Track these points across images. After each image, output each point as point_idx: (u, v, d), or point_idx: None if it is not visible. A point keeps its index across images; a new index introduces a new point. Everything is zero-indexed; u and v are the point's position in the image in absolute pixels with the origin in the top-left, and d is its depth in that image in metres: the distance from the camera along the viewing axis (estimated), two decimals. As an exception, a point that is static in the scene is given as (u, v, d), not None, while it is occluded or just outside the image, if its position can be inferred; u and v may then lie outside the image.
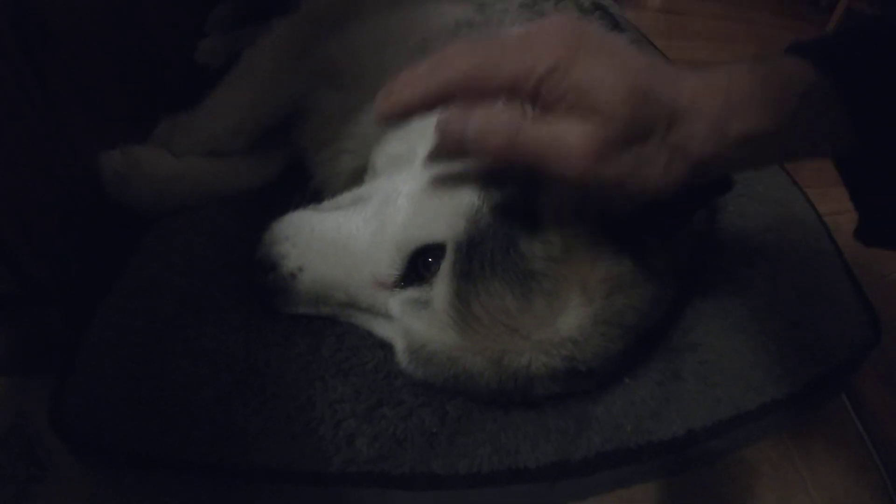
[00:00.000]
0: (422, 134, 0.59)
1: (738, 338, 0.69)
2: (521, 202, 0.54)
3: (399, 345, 0.59)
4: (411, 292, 0.57)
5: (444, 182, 0.57)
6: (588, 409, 0.61)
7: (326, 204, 0.66)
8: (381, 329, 0.62)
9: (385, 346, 0.62)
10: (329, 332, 0.64)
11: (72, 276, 0.74)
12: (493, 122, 0.41)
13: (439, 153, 0.51)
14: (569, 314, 0.53)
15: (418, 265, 0.57)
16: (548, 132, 0.40)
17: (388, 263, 0.57)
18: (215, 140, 0.80)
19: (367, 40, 0.75)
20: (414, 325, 0.56)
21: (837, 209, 0.82)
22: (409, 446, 0.56)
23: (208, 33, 1.15)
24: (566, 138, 0.39)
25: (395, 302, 0.58)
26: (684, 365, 0.66)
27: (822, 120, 0.41)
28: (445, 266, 0.54)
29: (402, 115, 0.44)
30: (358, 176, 0.72)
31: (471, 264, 0.52)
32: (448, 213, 0.55)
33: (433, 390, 0.59)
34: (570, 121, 0.40)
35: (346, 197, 0.65)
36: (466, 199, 0.55)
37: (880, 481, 0.88)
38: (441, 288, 0.53)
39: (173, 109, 0.83)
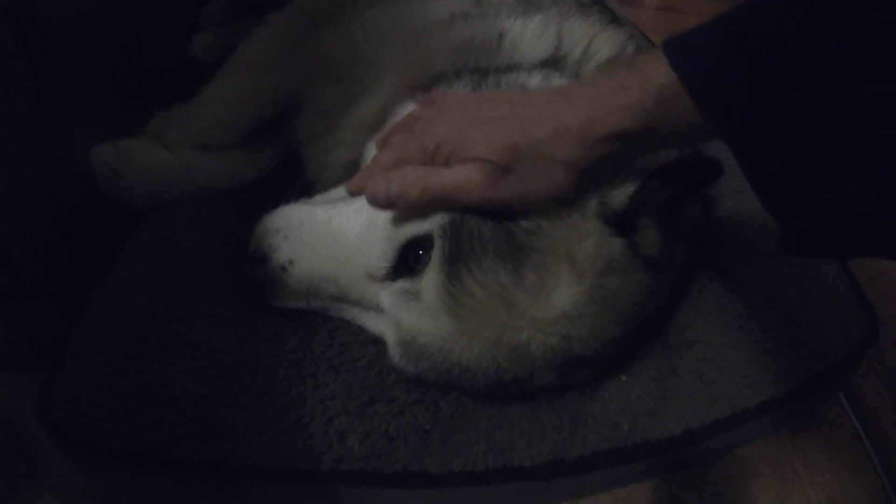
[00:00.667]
0: None
1: (735, 335, 0.69)
2: None
3: (391, 339, 0.58)
4: (402, 284, 0.56)
5: None
6: (584, 406, 0.60)
7: (318, 198, 0.65)
8: (373, 323, 0.61)
9: (377, 343, 0.61)
10: (321, 327, 0.63)
11: (63, 269, 0.73)
12: (408, 178, 0.53)
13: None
14: (561, 290, 0.52)
15: (409, 258, 0.56)
16: (449, 177, 0.52)
17: (379, 255, 0.57)
18: (209, 133, 0.80)
19: (362, 33, 0.75)
20: (404, 316, 0.55)
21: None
22: (402, 444, 0.56)
23: (203, 27, 1.14)
24: (463, 180, 0.51)
25: (386, 294, 0.57)
26: (681, 362, 0.65)
27: (679, 114, 0.46)
28: (435, 253, 0.54)
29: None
30: (351, 168, 0.71)
31: (459, 245, 0.52)
32: None
33: (426, 386, 0.59)
34: (462, 169, 0.52)
35: (339, 191, 0.65)
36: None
37: (877, 480, 0.87)
38: (431, 274, 0.53)
39: (167, 103, 0.83)
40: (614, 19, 0.84)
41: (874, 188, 0.42)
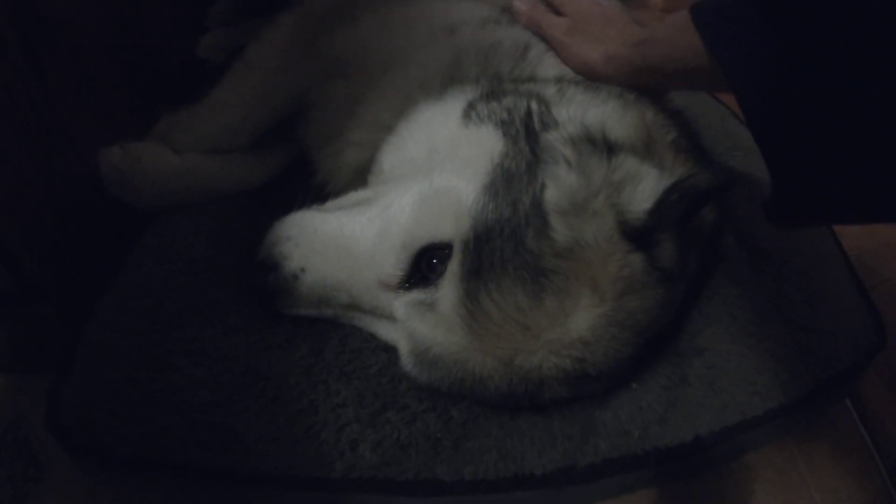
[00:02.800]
0: (441, 135, 0.61)
1: (744, 342, 0.69)
2: (526, 199, 0.53)
3: (403, 348, 0.58)
4: (416, 294, 0.56)
5: (449, 181, 0.57)
6: (595, 414, 0.60)
7: (329, 204, 0.65)
8: (385, 332, 0.61)
9: (389, 350, 0.61)
10: (332, 334, 0.63)
11: (69, 273, 0.73)
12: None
13: None
14: (580, 314, 0.52)
15: (422, 266, 0.56)
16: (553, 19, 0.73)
17: (393, 264, 0.56)
18: (217, 137, 0.79)
19: (378, 30, 0.74)
20: (419, 327, 0.55)
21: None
22: (414, 452, 0.56)
23: (209, 28, 1.13)
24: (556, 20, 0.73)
25: (400, 304, 0.57)
26: (691, 370, 0.65)
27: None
28: (453, 265, 0.53)
29: None
30: (363, 170, 0.71)
31: (480, 262, 0.51)
32: (453, 212, 0.55)
33: (438, 395, 0.58)
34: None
35: (351, 197, 0.64)
36: (472, 197, 0.54)
37: (883, 486, 0.87)
38: (449, 288, 0.53)
39: (174, 105, 0.82)
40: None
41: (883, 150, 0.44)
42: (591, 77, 0.69)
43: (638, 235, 0.53)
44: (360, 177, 0.71)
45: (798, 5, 0.47)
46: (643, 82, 0.67)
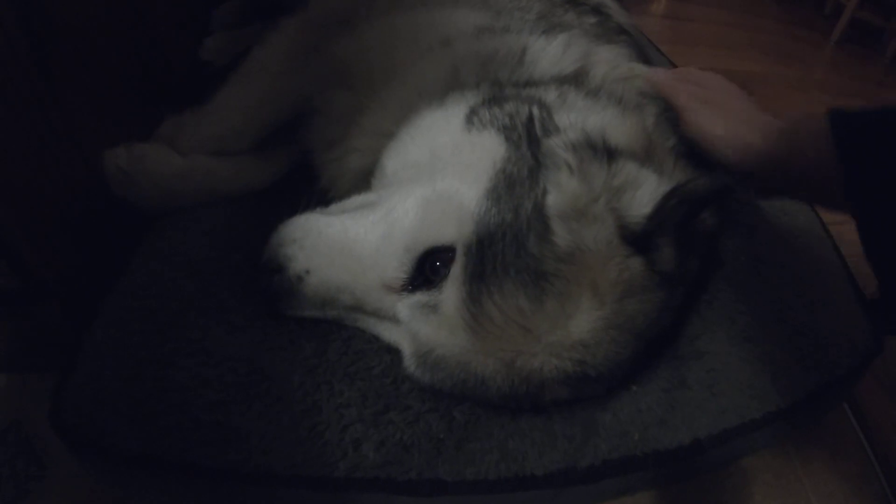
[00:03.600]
0: (444, 140, 0.61)
1: (743, 346, 0.69)
2: (528, 204, 0.54)
3: (406, 349, 0.58)
4: (419, 296, 0.56)
5: (451, 185, 0.57)
6: (595, 415, 0.61)
7: (334, 207, 0.65)
8: (388, 333, 0.61)
9: (392, 351, 0.61)
10: (335, 335, 0.63)
11: (73, 272, 0.73)
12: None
13: None
14: (581, 317, 0.52)
15: (426, 268, 0.56)
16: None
17: (396, 266, 0.57)
18: (221, 140, 0.80)
19: (378, 41, 0.75)
20: (422, 329, 0.55)
21: (841, 220, 0.82)
22: (416, 452, 0.56)
23: (213, 31, 1.14)
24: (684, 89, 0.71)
25: (403, 306, 0.57)
26: (690, 373, 0.66)
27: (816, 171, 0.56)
28: (456, 268, 0.54)
29: None
30: (366, 176, 0.71)
31: (482, 265, 0.52)
32: (456, 216, 0.55)
33: (440, 396, 0.59)
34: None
35: (354, 201, 0.65)
36: (474, 201, 0.55)
37: (880, 490, 0.88)
38: (452, 290, 0.53)
39: (177, 107, 0.83)
40: (622, 31, 0.85)
41: None
42: (705, 151, 0.67)
43: (637, 240, 0.54)
44: (362, 182, 0.71)
45: None
46: (763, 177, 0.63)
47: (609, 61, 0.71)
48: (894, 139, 0.51)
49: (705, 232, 0.64)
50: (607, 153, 0.56)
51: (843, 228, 0.88)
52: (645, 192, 0.55)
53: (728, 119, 0.65)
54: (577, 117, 0.62)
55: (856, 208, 0.53)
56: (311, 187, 0.75)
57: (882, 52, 2.93)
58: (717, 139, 0.65)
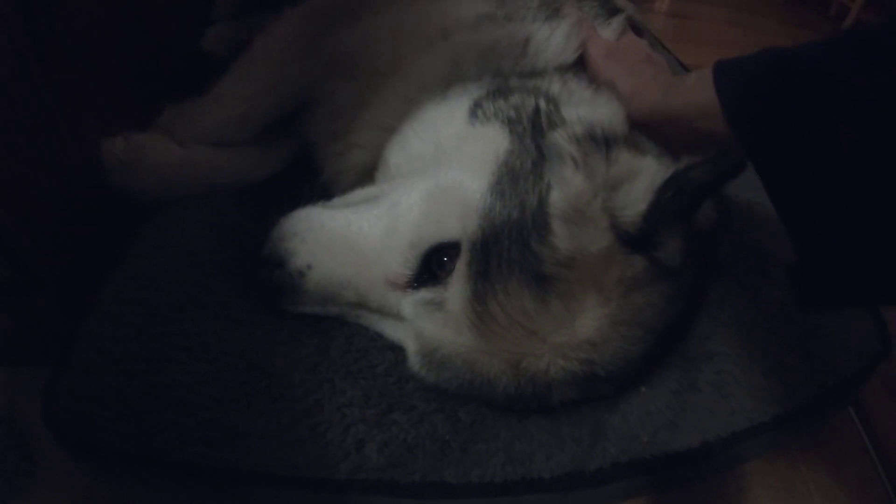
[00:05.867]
0: (447, 133, 0.60)
1: (752, 347, 0.68)
2: (533, 200, 0.53)
3: (411, 348, 0.57)
4: (424, 293, 0.55)
5: (455, 178, 0.56)
6: (604, 417, 0.60)
7: (336, 201, 0.64)
8: (392, 331, 0.60)
9: (396, 349, 0.60)
10: (338, 332, 0.62)
11: (69, 264, 0.72)
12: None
13: None
14: (586, 316, 0.52)
15: (431, 264, 0.55)
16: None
17: (401, 262, 0.56)
18: (221, 130, 0.78)
19: (381, 32, 0.74)
20: (427, 327, 0.54)
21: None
22: (421, 454, 0.55)
23: (215, 21, 1.12)
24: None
25: (408, 303, 0.56)
26: (701, 374, 0.65)
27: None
28: (461, 265, 0.53)
29: None
30: (368, 171, 0.70)
31: (487, 263, 0.51)
32: (460, 210, 0.54)
33: (445, 396, 0.57)
34: None
35: (358, 194, 0.64)
36: (478, 195, 0.54)
37: (885, 494, 0.88)
38: (457, 288, 0.52)
39: (178, 97, 0.81)
40: (633, 26, 0.84)
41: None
42: None
43: (635, 241, 0.53)
44: (364, 178, 0.70)
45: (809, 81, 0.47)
46: (662, 129, 0.63)
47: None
48: (770, 79, 0.51)
49: (707, 219, 0.62)
50: (605, 143, 0.56)
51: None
52: (640, 185, 0.53)
53: (633, 75, 0.66)
54: (585, 111, 0.61)
55: (748, 152, 0.52)
56: (313, 180, 0.73)
57: (884, 54, 2.91)
58: (622, 93, 0.66)
